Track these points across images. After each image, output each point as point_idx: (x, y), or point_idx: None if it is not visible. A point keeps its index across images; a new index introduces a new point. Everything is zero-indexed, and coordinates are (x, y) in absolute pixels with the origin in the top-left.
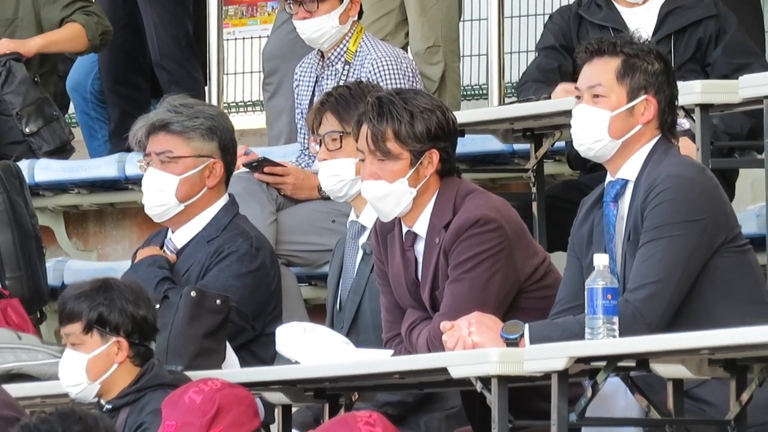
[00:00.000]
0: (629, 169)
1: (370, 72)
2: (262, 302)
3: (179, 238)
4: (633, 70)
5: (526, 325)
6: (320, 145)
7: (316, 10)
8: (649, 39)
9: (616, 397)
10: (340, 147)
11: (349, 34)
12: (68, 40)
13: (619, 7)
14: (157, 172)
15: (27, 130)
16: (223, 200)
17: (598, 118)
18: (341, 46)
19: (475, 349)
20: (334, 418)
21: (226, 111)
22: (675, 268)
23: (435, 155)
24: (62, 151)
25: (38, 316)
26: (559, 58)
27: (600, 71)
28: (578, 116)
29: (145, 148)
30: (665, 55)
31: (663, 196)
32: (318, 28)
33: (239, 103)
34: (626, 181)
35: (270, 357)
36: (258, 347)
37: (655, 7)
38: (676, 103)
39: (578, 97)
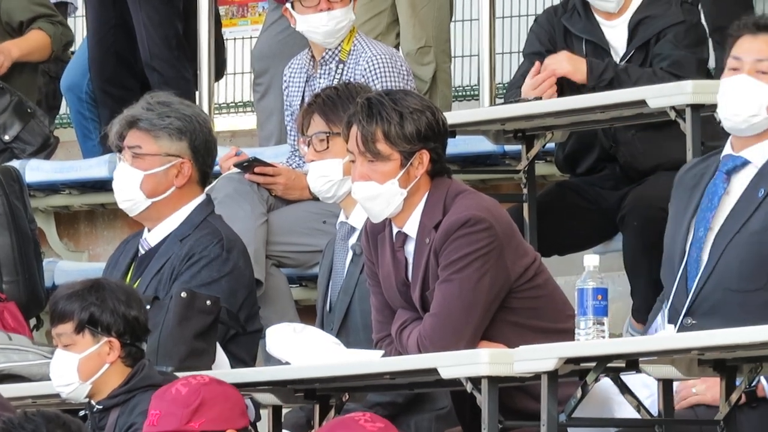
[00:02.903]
0: (757, 152)
1: (365, 70)
2: (248, 302)
3: (154, 236)
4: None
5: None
6: (308, 147)
7: (339, 0)
8: None
9: (611, 398)
10: (327, 148)
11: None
12: (37, 50)
13: (598, 18)
14: (126, 166)
15: (6, 137)
16: (198, 200)
17: (762, 93)
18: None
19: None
20: (334, 421)
21: (217, 112)
22: None
23: (425, 156)
24: (46, 146)
25: (36, 322)
26: None
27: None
28: (739, 86)
29: (122, 141)
30: None
31: None
32: (340, 20)
33: (230, 104)
34: (747, 162)
35: (250, 356)
36: (235, 346)
37: (628, 19)
38: None
39: (733, 69)
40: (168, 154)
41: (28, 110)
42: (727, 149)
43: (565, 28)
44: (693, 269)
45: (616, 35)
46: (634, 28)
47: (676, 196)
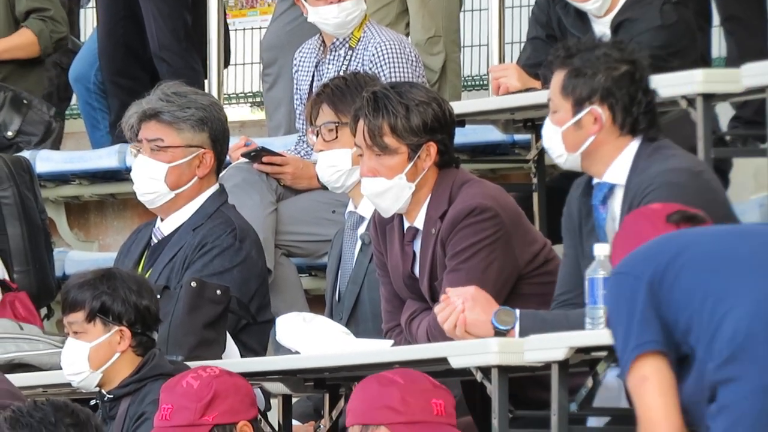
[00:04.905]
0: (614, 174)
1: (373, 56)
2: (260, 292)
3: (167, 225)
4: (575, 81)
5: (518, 315)
6: (317, 136)
7: None
8: (600, 42)
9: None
10: (336, 137)
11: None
12: (20, 48)
13: (589, 15)
14: (147, 159)
15: (9, 134)
16: (212, 189)
17: (553, 134)
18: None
19: (466, 325)
20: None
21: (226, 103)
22: None
23: (432, 148)
24: (50, 133)
25: (47, 311)
26: (547, 49)
27: (552, 85)
28: (544, 130)
29: (137, 134)
30: (618, 55)
31: (651, 198)
32: (351, 12)
33: (239, 95)
34: (613, 185)
35: (261, 346)
36: (246, 336)
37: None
38: (644, 100)
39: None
40: (191, 145)
41: (24, 101)
42: (594, 178)
43: (558, 18)
44: None
45: (604, 33)
46: (615, 30)
47: (567, 238)
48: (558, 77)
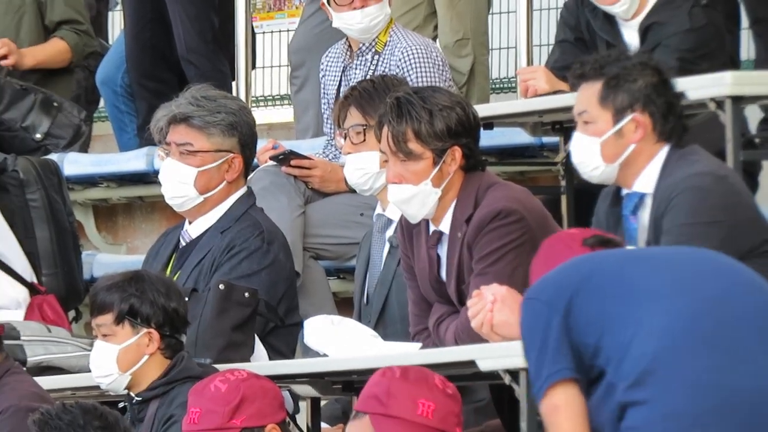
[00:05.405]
0: (644, 183)
1: (400, 60)
2: (288, 295)
3: (195, 228)
4: (615, 90)
5: None
6: (345, 139)
7: None
8: (631, 53)
9: None
10: (364, 140)
11: None
12: (54, 59)
13: (617, 18)
14: (176, 162)
15: (38, 136)
16: (240, 192)
17: (590, 146)
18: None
19: (492, 325)
20: None
21: (254, 105)
22: None
23: (457, 152)
24: (79, 137)
25: (75, 314)
26: (576, 52)
27: (585, 97)
28: (574, 144)
29: (165, 136)
30: (652, 63)
31: (677, 202)
32: (375, 17)
33: (267, 97)
34: (643, 194)
35: (289, 349)
36: (274, 338)
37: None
38: (677, 107)
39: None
40: (220, 150)
41: (54, 104)
42: (623, 189)
43: (587, 21)
44: None
45: (632, 36)
46: (644, 33)
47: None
48: (592, 89)
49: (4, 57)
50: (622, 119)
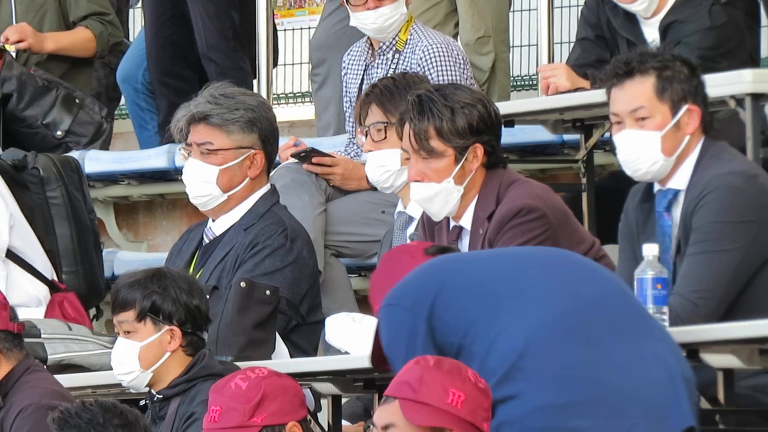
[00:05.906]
0: (679, 179)
1: (420, 59)
2: (311, 293)
3: (219, 226)
4: (669, 83)
5: None
6: (366, 137)
7: None
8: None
9: None
10: (385, 138)
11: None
12: (78, 47)
13: (637, 16)
14: (198, 162)
15: (59, 134)
16: (264, 189)
17: (650, 141)
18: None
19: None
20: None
21: (275, 103)
22: (722, 277)
23: (479, 149)
24: (100, 134)
25: (95, 312)
26: (597, 50)
27: (638, 92)
28: (627, 142)
29: (186, 136)
30: (686, 58)
31: (708, 200)
32: (389, 17)
33: (288, 95)
34: (678, 191)
35: (311, 346)
36: (296, 336)
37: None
38: (708, 99)
39: (617, 123)
40: (241, 147)
41: (76, 101)
42: (656, 185)
43: (608, 19)
44: None
45: (653, 34)
46: (664, 31)
47: (624, 242)
48: (644, 84)
49: (20, 42)
50: (679, 111)
